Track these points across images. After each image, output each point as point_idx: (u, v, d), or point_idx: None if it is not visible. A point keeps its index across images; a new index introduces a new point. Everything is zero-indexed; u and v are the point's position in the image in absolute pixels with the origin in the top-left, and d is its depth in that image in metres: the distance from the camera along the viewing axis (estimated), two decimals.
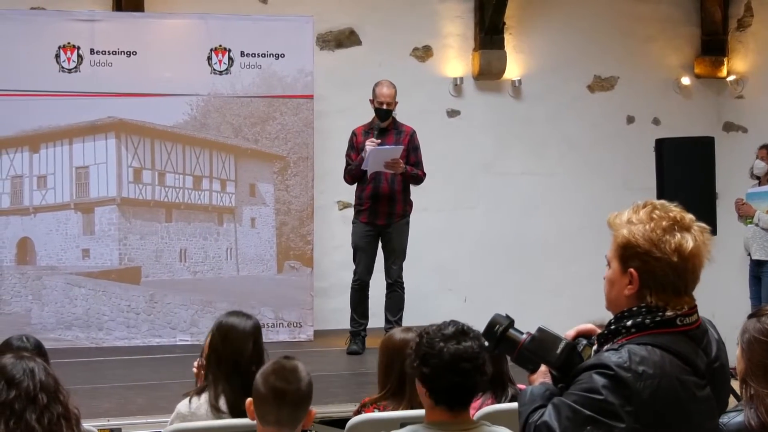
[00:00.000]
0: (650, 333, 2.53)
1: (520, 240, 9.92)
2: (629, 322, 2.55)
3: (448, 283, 9.69)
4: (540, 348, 2.67)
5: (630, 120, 10.36)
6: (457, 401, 3.13)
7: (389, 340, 4.06)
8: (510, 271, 9.85)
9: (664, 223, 2.54)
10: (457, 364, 3.05)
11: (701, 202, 7.92)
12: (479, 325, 2.97)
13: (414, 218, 7.94)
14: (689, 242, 2.52)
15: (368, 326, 7.96)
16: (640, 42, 10.33)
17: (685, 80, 10.43)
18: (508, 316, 2.79)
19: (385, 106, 7.69)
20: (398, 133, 7.78)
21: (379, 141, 7.61)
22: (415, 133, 7.84)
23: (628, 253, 2.56)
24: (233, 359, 3.99)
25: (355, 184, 7.85)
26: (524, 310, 9.44)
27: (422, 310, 8.69)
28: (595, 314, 3.02)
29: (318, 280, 8.83)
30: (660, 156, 8.48)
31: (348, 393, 6.53)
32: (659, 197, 7.73)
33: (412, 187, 7.86)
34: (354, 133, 7.86)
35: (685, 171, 8.30)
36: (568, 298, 9.58)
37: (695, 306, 2.59)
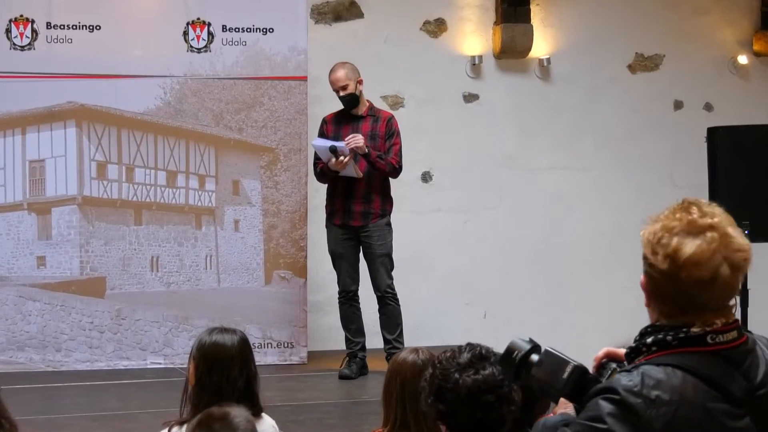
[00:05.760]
0: (674, 352, 2.51)
1: (548, 245, 9.95)
2: (650, 339, 2.55)
3: (465, 296, 9.72)
4: (545, 373, 2.66)
5: (677, 105, 10.39)
6: None
7: (396, 363, 4.02)
8: (537, 281, 9.89)
9: (672, 223, 2.52)
10: (476, 398, 3.03)
11: (761, 200, 7.88)
12: (500, 345, 2.92)
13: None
14: (687, 248, 2.48)
15: (366, 347, 7.99)
16: (690, 14, 10.35)
17: (742, 59, 10.47)
18: (531, 340, 2.77)
19: (341, 92, 7.78)
20: (375, 120, 7.90)
21: (360, 136, 7.62)
22: (393, 118, 7.95)
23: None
24: (219, 386, 3.93)
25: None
26: (553, 325, 9.57)
27: (435, 328, 8.71)
28: (635, 331, 2.95)
29: (312, 293, 8.84)
30: (713, 147, 8.44)
31: (347, 425, 6.60)
32: (711, 195, 7.72)
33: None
34: (324, 121, 7.99)
35: (742, 165, 8.26)
36: (603, 311, 9.64)
37: (734, 322, 2.55)
